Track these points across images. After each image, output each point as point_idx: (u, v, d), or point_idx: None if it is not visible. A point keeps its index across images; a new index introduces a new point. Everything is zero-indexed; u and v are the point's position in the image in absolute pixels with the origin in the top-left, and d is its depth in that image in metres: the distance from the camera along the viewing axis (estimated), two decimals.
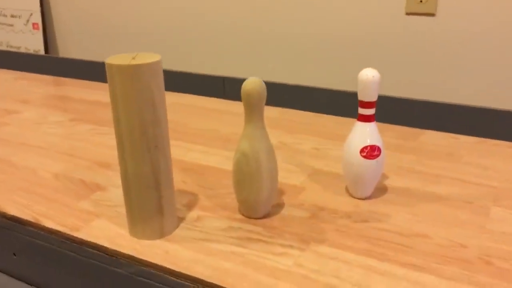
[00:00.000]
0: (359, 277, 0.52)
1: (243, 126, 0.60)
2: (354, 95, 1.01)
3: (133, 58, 0.54)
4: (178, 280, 0.53)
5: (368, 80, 0.61)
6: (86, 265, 0.59)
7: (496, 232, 0.60)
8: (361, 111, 0.63)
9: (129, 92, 0.53)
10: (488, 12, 0.93)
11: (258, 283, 0.51)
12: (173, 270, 0.54)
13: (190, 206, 0.67)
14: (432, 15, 1.00)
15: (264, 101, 0.58)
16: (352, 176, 0.66)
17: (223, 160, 0.82)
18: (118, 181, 0.75)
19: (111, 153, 0.86)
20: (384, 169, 0.75)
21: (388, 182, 0.73)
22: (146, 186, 0.57)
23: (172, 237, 0.60)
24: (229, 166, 0.79)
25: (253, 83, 0.57)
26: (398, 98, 0.97)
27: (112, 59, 0.54)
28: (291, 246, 0.57)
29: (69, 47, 1.55)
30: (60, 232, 0.62)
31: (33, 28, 1.57)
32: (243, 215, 0.64)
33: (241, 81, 1.14)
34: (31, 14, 1.56)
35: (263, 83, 0.58)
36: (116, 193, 0.71)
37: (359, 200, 0.68)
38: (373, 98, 0.62)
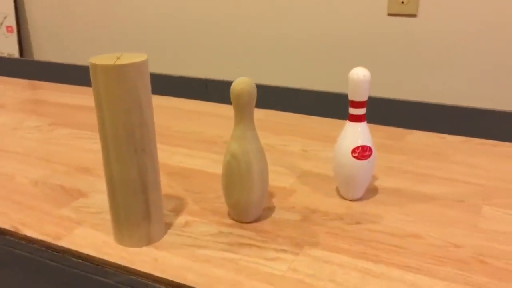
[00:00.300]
0: (355, 280, 0.51)
1: (233, 127, 0.59)
2: (339, 96, 1.01)
3: (118, 58, 0.52)
4: None
5: (359, 80, 0.60)
6: (69, 275, 0.56)
7: (489, 230, 0.60)
8: (352, 111, 0.63)
9: (115, 93, 0.50)
10: (469, 12, 0.94)
11: None
12: (163, 279, 0.52)
13: (177, 211, 0.65)
14: (414, 16, 1.00)
15: (255, 102, 0.57)
16: (343, 177, 0.65)
17: (209, 163, 0.80)
18: (101, 187, 0.72)
19: (92, 158, 0.83)
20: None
21: (378, 183, 0.72)
22: (132, 191, 0.54)
23: (160, 244, 0.58)
24: (215, 169, 0.78)
25: (243, 83, 0.55)
26: (383, 98, 0.97)
27: (96, 59, 0.51)
28: (284, 251, 0.56)
29: (44, 50, 1.51)
30: (41, 241, 0.59)
31: (7, 31, 1.52)
32: (233, 219, 0.62)
33: (223, 83, 1.12)
34: (5, 17, 1.51)
35: (253, 83, 0.56)
36: (99, 199, 0.69)
37: (350, 202, 0.67)
38: (364, 97, 0.61)
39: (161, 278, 0.52)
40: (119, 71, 0.50)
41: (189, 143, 0.89)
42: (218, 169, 0.77)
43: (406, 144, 0.87)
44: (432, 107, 0.93)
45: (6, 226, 0.62)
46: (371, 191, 0.69)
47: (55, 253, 0.57)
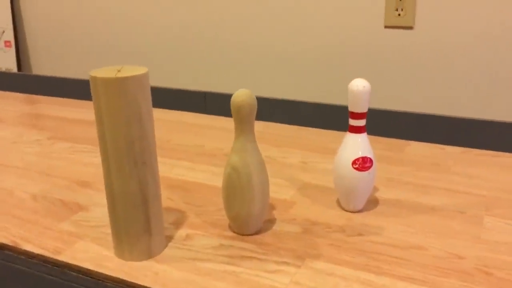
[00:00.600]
0: None
1: (233, 139, 0.58)
2: (337, 108, 1.01)
3: (119, 71, 0.52)
4: None
5: (359, 91, 0.60)
6: None
7: (491, 241, 0.59)
8: (352, 122, 0.63)
9: (115, 106, 0.50)
10: (465, 24, 0.95)
11: None
12: None
13: (178, 224, 0.64)
14: (411, 28, 1.01)
15: (255, 114, 0.57)
16: (344, 189, 0.65)
17: (209, 176, 0.80)
18: (100, 200, 0.72)
19: (91, 172, 0.82)
20: None
21: (378, 194, 0.72)
22: (133, 204, 0.54)
23: (161, 258, 0.57)
24: (216, 182, 0.77)
25: (243, 95, 0.55)
26: (382, 110, 0.97)
27: (97, 72, 0.51)
28: (286, 263, 0.55)
29: (42, 65, 1.51)
30: (40, 255, 0.58)
31: (5, 46, 1.53)
32: (234, 232, 0.62)
33: (222, 95, 1.13)
34: (3, 32, 1.52)
35: (253, 94, 0.56)
36: (99, 212, 0.68)
37: (351, 213, 0.66)
38: (364, 109, 0.61)
39: None
40: (119, 84, 0.50)
41: (190, 156, 0.89)
42: (219, 182, 0.77)
43: (406, 155, 0.87)
44: (431, 118, 0.94)
45: (6, 241, 0.61)
46: (372, 203, 0.69)
47: (55, 267, 0.57)
